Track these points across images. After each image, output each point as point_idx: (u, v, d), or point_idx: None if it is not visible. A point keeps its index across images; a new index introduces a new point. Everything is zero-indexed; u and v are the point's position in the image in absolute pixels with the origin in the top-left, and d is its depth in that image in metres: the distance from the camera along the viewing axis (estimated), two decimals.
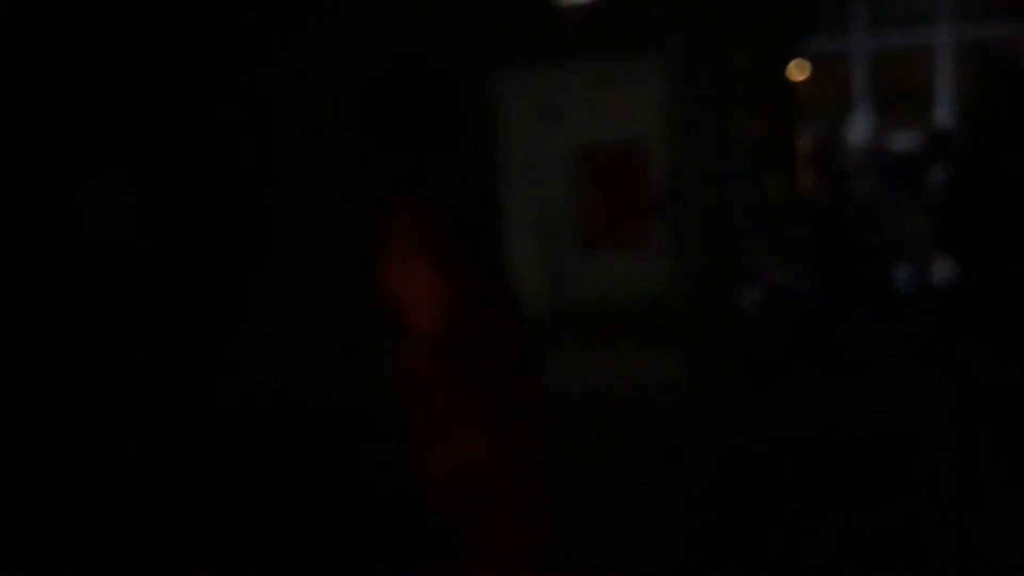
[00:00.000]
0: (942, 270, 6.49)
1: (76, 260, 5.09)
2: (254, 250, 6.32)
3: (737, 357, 6.48)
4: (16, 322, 4.78)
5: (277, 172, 6.32)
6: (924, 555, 3.71)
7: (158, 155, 5.88)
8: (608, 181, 9.62)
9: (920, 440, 5.06)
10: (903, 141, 10.00)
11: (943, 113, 10.60)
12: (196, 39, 6.06)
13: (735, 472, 5.05)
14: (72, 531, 4.18)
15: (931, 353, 4.85)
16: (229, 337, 6.21)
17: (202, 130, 6.12)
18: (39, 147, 5.08)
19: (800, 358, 6.56)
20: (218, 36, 6.17)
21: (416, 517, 2.39)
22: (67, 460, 4.72)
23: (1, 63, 4.99)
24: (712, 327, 6.44)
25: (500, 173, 6.48)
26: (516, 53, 6.53)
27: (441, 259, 2.21)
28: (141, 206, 5.74)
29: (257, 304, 6.34)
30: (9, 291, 4.80)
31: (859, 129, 10.23)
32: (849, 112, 10.67)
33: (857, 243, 7.20)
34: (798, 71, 9.61)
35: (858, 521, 4.20)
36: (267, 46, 6.25)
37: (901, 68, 11.05)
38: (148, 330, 5.52)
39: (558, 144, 9.42)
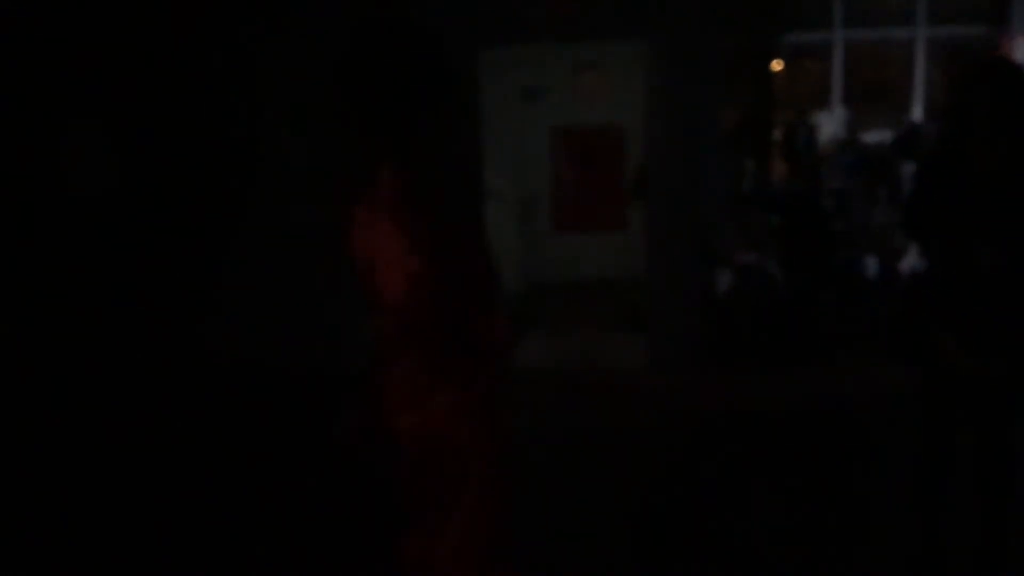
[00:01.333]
0: (909, 259, 6.67)
1: (53, 214, 5.08)
2: (231, 213, 6.35)
3: (707, 338, 6.60)
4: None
5: (255, 138, 6.34)
6: (888, 540, 3.84)
7: (136, 113, 5.87)
8: (585, 163, 9.70)
9: (886, 426, 5.21)
10: (875, 135, 10.17)
11: (917, 109, 10.77)
12: (173, 6, 6.06)
13: (702, 452, 5.17)
14: (42, 501, 4.20)
15: (898, 340, 4.97)
16: (206, 296, 6.24)
17: (178, 91, 6.12)
18: (23, 103, 5.06)
19: (769, 341, 6.69)
20: (199, 10, 6.17)
21: (386, 477, 2.41)
22: (37, 419, 4.73)
23: None
24: (683, 308, 6.55)
25: (480, 151, 6.52)
26: (497, 33, 6.55)
27: (417, 233, 2.18)
28: (119, 162, 5.73)
29: (233, 268, 6.37)
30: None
31: (833, 122, 10.37)
32: (824, 105, 10.81)
33: (827, 231, 7.34)
34: (776, 63, 9.73)
35: (821, 504, 4.32)
36: (248, 14, 6.25)
37: (877, 64, 11.19)
38: (124, 289, 5.54)
39: (538, 124, 9.48)
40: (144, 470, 4.56)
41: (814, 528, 4.06)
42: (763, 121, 9.14)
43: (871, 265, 7.31)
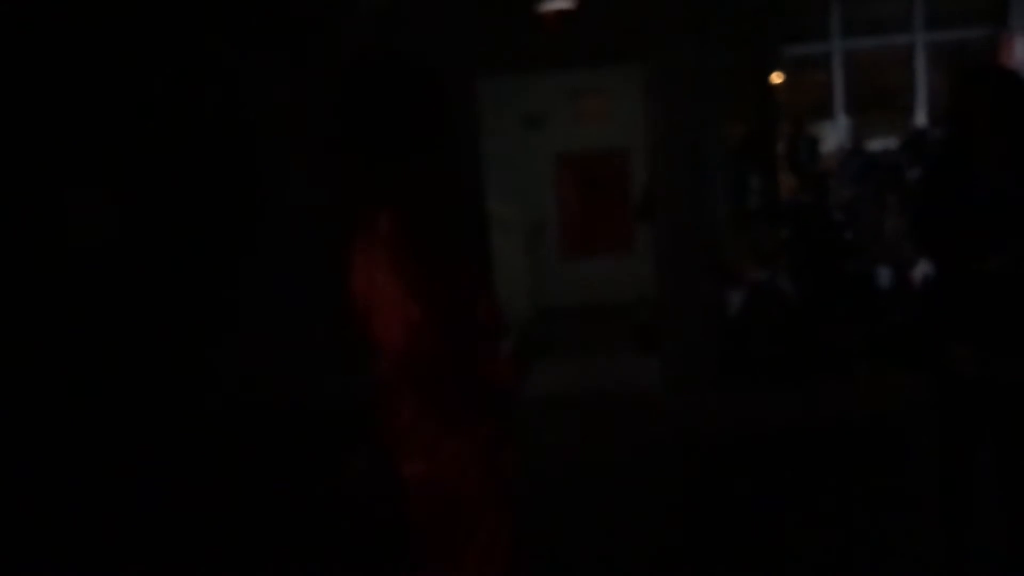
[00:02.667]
0: (922, 268, 6.61)
1: (59, 265, 5.10)
2: (234, 256, 6.36)
3: (721, 356, 6.55)
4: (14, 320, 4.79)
5: (256, 177, 6.35)
6: (914, 552, 3.76)
7: (139, 161, 5.90)
8: (591, 187, 9.70)
9: (902, 438, 5.15)
10: (881, 142, 10.12)
11: (920, 115, 10.72)
12: (174, 47, 6.10)
13: (718, 472, 5.11)
14: (57, 531, 4.19)
15: (912, 351, 4.92)
16: (211, 341, 6.24)
17: (182, 136, 6.16)
18: (21, 154, 5.10)
19: (783, 356, 6.63)
20: (196, 43, 6.21)
21: (394, 522, 2.38)
22: (50, 462, 4.73)
23: None
24: (695, 327, 6.50)
25: (482, 181, 6.51)
26: (496, 61, 6.57)
27: (416, 275, 2.14)
28: (123, 212, 5.76)
29: (238, 309, 6.37)
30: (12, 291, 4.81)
31: (837, 131, 10.33)
32: (827, 115, 10.78)
33: (837, 243, 7.29)
34: (776, 76, 9.72)
35: (841, 518, 4.27)
36: (246, 49, 6.28)
37: (878, 71, 11.16)
38: (130, 334, 5.54)
39: (542, 150, 9.50)
40: (153, 511, 4.53)
41: (839, 543, 3.99)
42: (766, 135, 9.10)
43: (884, 275, 7.25)
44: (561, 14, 6.33)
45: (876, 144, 10.10)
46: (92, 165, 5.60)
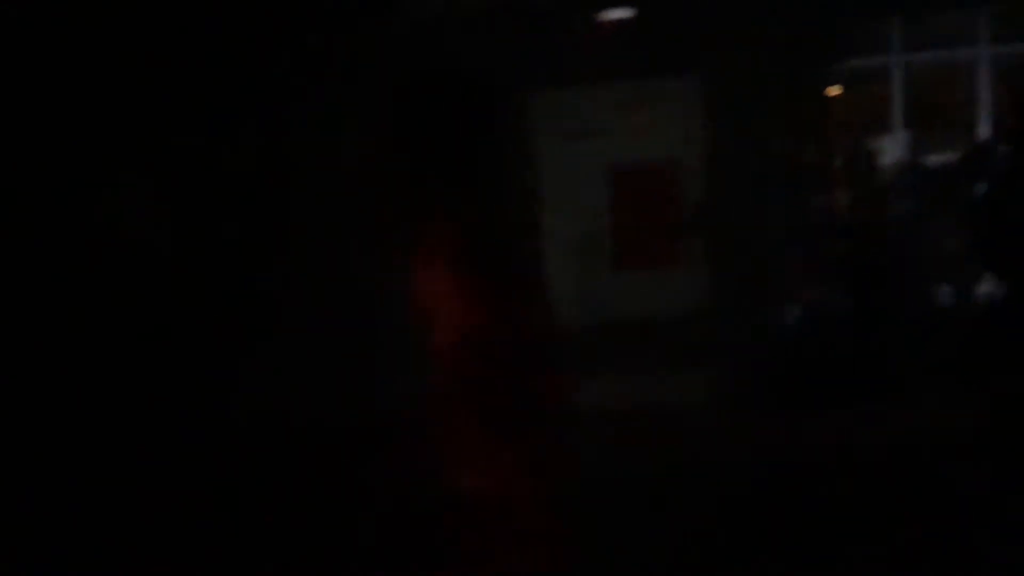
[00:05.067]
0: (984, 288, 6.42)
1: (102, 261, 5.14)
2: (278, 261, 6.38)
3: (772, 376, 6.42)
4: (40, 322, 4.83)
5: (306, 183, 6.38)
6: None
7: (185, 159, 5.95)
8: (641, 199, 9.61)
9: (962, 460, 4.98)
10: (941, 159, 9.90)
11: (982, 131, 10.49)
12: (226, 48, 6.16)
13: (769, 493, 4.99)
14: (86, 539, 4.21)
15: (974, 372, 4.76)
16: (249, 344, 6.26)
17: (230, 138, 6.20)
18: (65, 149, 5.15)
19: (838, 377, 6.48)
20: (247, 46, 6.26)
21: (430, 531, 2.36)
22: (81, 466, 4.76)
23: (24, 67, 5.07)
24: (747, 345, 6.39)
25: (534, 191, 6.48)
26: (549, 72, 6.54)
27: (473, 278, 2.15)
28: (168, 211, 5.81)
29: (278, 314, 6.38)
30: (33, 291, 4.85)
31: (895, 146, 10.14)
32: (886, 130, 10.59)
33: (896, 261, 7.12)
34: (833, 89, 9.56)
35: (896, 542, 4.13)
36: (298, 58, 6.32)
37: (939, 87, 10.96)
38: (169, 333, 5.57)
39: (591, 163, 9.43)
40: (183, 522, 4.54)
41: (902, 567, 3.85)
42: (823, 149, 8.95)
43: (945, 293, 7.07)
44: (616, 25, 6.28)
45: (936, 159, 9.90)
46: (137, 166, 5.66)
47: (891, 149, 10.15)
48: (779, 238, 7.07)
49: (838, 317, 6.80)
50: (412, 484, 2.36)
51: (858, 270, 6.99)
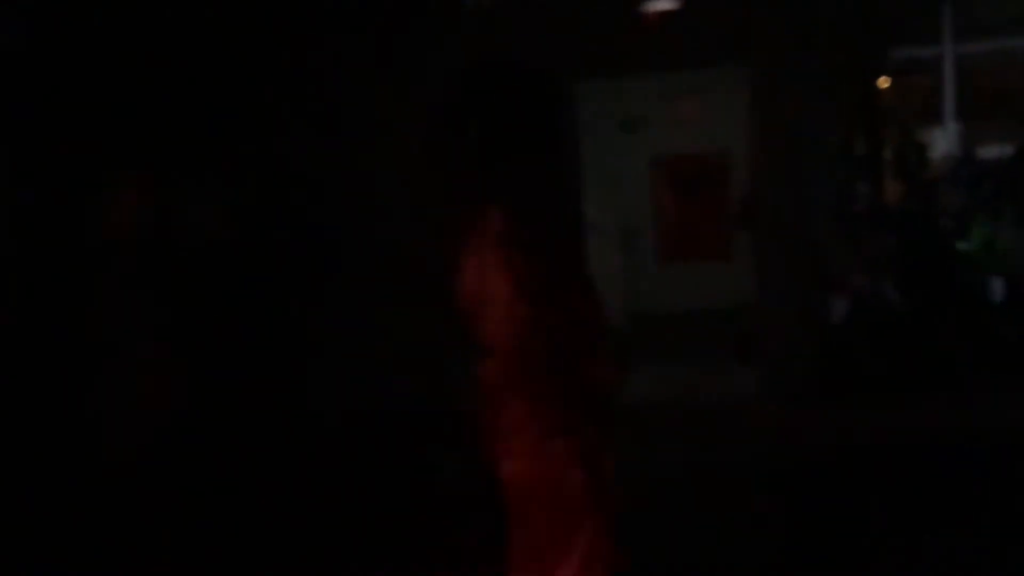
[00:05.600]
0: None
1: (174, 260, 5.20)
2: (337, 256, 6.44)
3: (821, 367, 6.35)
4: (111, 319, 4.90)
5: (362, 180, 6.43)
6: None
7: (247, 161, 6.02)
8: (688, 191, 9.57)
9: (1014, 457, 4.91)
10: (993, 151, 9.74)
11: None
12: (282, 49, 6.22)
13: (817, 487, 4.95)
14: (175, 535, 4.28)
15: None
16: (312, 340, 6.32)
17: (287, 136, 6.27)
18: (136, 150, 5.23)
19: (887, 369, 6.40)
20: (304, 46, 6.31)
21: (490, 523, 2.38)
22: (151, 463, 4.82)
23: (99, 70, 5.15)
24: (795, 336, 6.33)
25: (582, 183, 6.47)
26: (595, 64, 6.52)
27: (525, 275, 2.15)
28: (233, 210, 5.87)
29: (338, 311, 6.44)
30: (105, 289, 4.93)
31: (946, 138, 10.00)
32: (936, 121, 10.44)
33: (946, 252, 7.03)
34: (884, 80, 9.45)
35: (948, 538, 4.08)
36: (353, 56, 6.37)
37: (991, 77, 10.78)
38: (237, 332, 5.63)
39: (638, 154, 9.40)
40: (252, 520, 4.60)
41: (951, 563, 3.81)
42: (873, 140, 8.85)
43: (997, 286, 6.96)
44: (664, 15, 6.23)
45: (989, 152, 9.74)
46: (203, 164, 5.73)
47: (941, 141, 10.02)
48: (828, 230, 7.00)
49: (887, 308, 6.72)
50: (468, 472, 2.38)
51: (907, 262, 6.91)
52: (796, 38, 6.25)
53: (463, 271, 2.30)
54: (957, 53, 10.54)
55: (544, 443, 2.24)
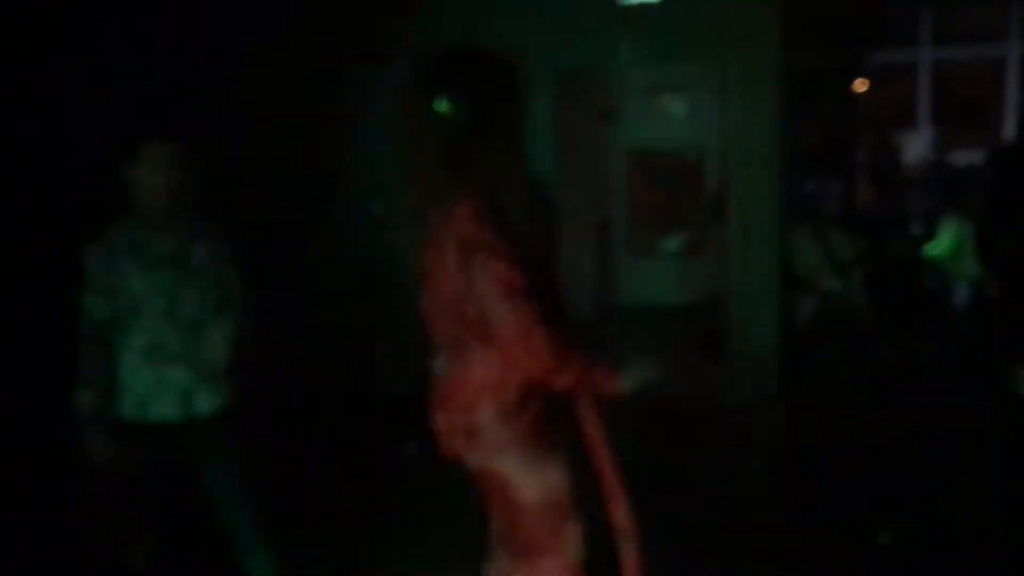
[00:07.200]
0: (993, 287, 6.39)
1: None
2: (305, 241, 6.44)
3: (787, 365, 6.41)
4: None
5: (336, 161, 6.43)
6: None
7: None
8: (660, 184, 9.59)
9: (971, 455, 4.97)
10: (964, 156, 9.83)
11: (1009, 129, 10.40)
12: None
13: (778, 484, 5.00)
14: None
15: (985, 368, 4.74)
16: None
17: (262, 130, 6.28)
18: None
19: (852, 369, 6.48)
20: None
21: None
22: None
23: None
24: (760, 335, 6.38)
25: (555, 173, 6.47)
26: (574, 55, 6.51)
27: (493, 255, 2.16)
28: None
29: (306, 292, 6.44)
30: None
31: (920, 142, 10.08)
32: (910, 125, 10.52)
33: (914, 255, 7.10)
34: (860, 82, 9.51)
35: (904, 534, 4.14)
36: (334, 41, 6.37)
37: (966, 83, 10.87)
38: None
39: (613, 146, 9.41)
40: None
41: (913, 558, 3.87)
42: (846, 142, 8.92)
43: (960, 292, 7.05)
44: (644, 8, 6.24)
45: (960, 157, 9.83)
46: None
47: (915, 146, 10.10)
48: (799, 228, 7.06)
49: (853, 310, 6.79)
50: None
51: (876, 265, 6.98)
52: (773, 36, 6.27)
53: (427, 255, 2.30)
54: (934, 59, 10.61)
55: (530, 436, 2.38)
